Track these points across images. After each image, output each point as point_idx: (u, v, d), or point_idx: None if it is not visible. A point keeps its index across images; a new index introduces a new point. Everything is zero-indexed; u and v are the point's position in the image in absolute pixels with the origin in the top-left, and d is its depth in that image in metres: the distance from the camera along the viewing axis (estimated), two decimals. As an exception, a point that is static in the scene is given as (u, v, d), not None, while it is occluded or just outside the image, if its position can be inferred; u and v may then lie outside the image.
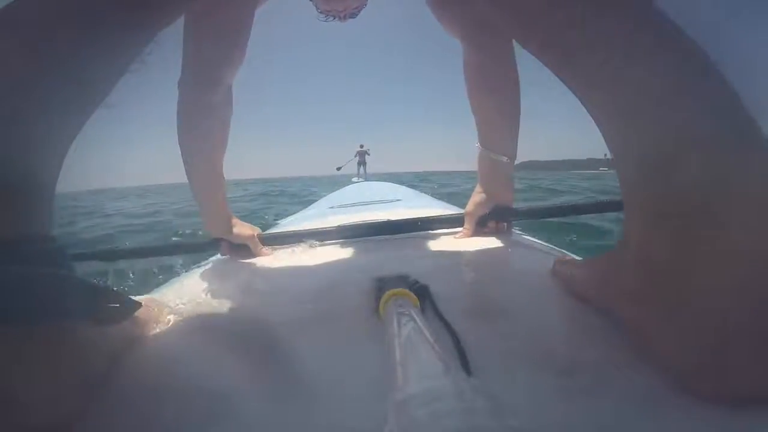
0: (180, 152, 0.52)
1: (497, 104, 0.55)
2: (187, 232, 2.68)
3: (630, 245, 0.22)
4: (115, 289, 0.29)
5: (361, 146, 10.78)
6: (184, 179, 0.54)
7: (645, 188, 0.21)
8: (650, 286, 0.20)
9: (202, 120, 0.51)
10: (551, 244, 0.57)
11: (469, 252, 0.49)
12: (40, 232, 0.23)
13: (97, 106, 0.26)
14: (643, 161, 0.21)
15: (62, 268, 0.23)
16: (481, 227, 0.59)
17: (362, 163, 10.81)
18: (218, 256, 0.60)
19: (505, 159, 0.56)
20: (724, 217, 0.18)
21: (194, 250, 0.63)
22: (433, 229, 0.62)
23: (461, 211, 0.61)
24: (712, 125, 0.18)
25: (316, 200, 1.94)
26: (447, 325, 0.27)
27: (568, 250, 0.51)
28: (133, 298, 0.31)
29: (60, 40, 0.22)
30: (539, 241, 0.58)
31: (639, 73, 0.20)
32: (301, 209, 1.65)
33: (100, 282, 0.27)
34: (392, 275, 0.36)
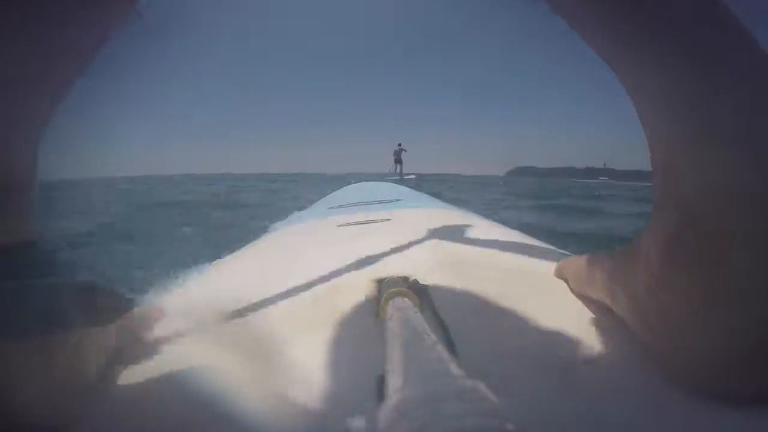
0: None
1: None
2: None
3: (650, 246, 0.21)
4: (114, 288, 0.29)
5: (399, 145, 10.69)
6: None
7: (681, 186, 0.19)
8: (657, 287, 0.20)
9: None
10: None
11: (469, 252, 0.49)
12: (24, 237, 0.22)
13: (63, 91, 0.24)
14: (681, 157, 0.19)
15: (51, 273, 0.22)
16: None
17: (398, 161, 10.70)
18: (219, 258, 0.59)
19: None
20: (751, 223, 0.17)
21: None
22: None
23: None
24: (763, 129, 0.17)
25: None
26: (446, 326, 0.27)
27: (569, 247, 0.51)
28: (134, 299, 0.31)
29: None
30: (541, 242, 0.58)
31: (701, 55, 0.18)
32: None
33: (98, 281, 0.27)
34: (392, 275, 0.36)
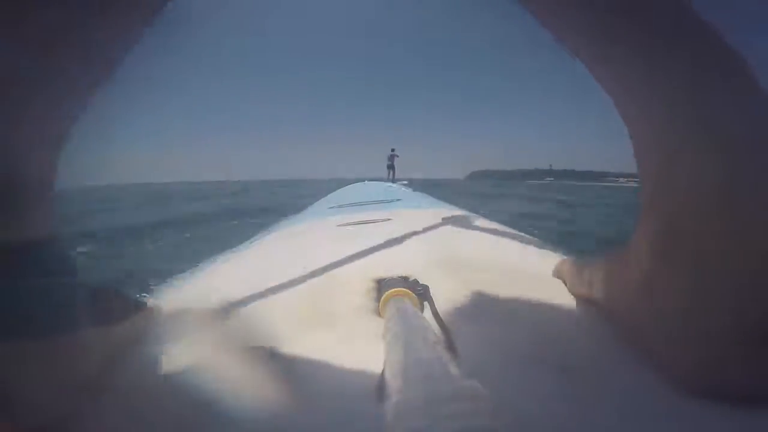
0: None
1: None
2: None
3: (641, 246, 0.21)
4: (114, 289, 0.29)
5: (392, 150, 10.66)
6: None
7: (669, 188, 0.20)
8: (648, 286, 0.20)
9: None
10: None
11: (469, 252, 0.49)
12: (41, 237, 0.22)
13: (92, 93, 0.23)
14: (667, 158, 0.20)
15: (63, 274, 0.22)
16: None
17: (391, 167, 10.66)
18: (218, 256, 0.59)
19: None
20: (739, 221, 0.17)
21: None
22: None
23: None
24: (746, 128, 0.18)
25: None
26: (446, 326, 0.27)
27: (567, 246, 0.51)
28: (133, 298, 0.31)
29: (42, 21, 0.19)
30: (541, 242, 0.58)
31: (679, 69, 0.19)
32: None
33: (102, 283, 0.27)
34: (392, 275, 0.36)
